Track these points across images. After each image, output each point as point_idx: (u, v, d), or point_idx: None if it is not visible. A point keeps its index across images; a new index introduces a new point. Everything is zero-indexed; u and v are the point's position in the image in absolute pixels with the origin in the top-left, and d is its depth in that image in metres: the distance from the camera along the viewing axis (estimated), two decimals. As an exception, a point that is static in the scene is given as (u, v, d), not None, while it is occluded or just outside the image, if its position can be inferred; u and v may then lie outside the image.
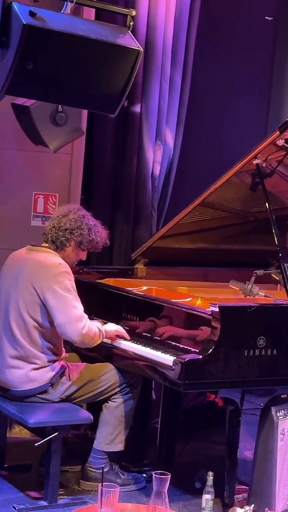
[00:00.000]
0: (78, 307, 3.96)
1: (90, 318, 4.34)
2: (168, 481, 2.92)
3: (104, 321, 4.33)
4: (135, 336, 4.21)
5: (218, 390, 3.77)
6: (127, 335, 4.18)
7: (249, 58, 6.00)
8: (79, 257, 4.21)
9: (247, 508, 3.71)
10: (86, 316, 3.98)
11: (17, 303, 4.02)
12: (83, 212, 4.20)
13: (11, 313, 4.04)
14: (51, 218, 4.27)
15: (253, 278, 4.18)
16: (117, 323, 4.26)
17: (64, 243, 4.12)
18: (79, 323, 3.92)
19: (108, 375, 4.14)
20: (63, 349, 4.19)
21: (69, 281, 3.98)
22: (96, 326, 4.01)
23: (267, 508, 3.73)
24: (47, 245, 4.14)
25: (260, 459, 3.80)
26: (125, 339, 4.16)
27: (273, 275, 4.45)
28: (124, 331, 4.18)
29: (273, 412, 3.77)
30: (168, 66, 5.41)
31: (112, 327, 4.16)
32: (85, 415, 4.03)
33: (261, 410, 3.81)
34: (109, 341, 4.17)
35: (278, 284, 4.66)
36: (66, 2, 3.98)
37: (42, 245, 4.16)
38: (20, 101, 4.46)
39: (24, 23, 3.64)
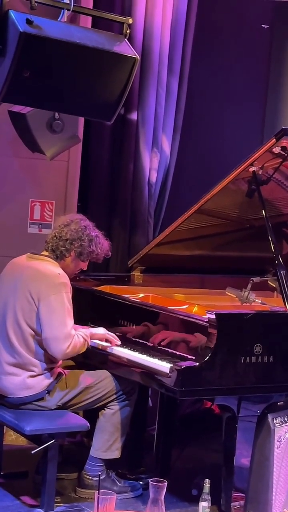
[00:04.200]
0: (68, 325, 3.94)
1: (86, 325, 4.35)
2: (165, 489, 2.91)
3: (95, 327, 4.34)
4: (131, 343, 4.21)
5: (215, 397, 3.77)
6: (116, 340, 4.17)
7: (245, 65, 6.02)
8: (79, 268, 4.21)
9: (243, 515, 3.72)
10: (73, 333, 3.95)
11: (14, 310, 4.02)
12: (86, 223, 4.18)
13: (8, 320, 4.04)
14: (54, 226, 4.26)
15: (249, 285, 4.18)
16: (113, 331, 4.26)
17: (64, 253, 4.11)
18: (65, 343, 3.91)
19: (104, 382, 4.14)
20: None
21: (66, 294, 3.97)
22: (81, 335, 4.00)
23: (263, 516, 3.73)
24: (47, 253, 4.14)
25: (257, 466, 3.80)
26: (115, 344, 4.16)
27: (269, 282, 4.45)
28: (112, 337, 4.17)
29: (269, 419, 3.76)
30: (164, 73, 5.43)
31: (100, 331, 4.17)
32: (81, 422, 4.03)
33: (258, 417, 3.80)
34: (100, 346, 4.17)
35: (275, 291, 4.67)
36: (63, 10, 3.99)
37: (42, 253, 4.15)
38: (17, 108, 4.47)
39: (21, 30, 3.65)
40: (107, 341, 4.17)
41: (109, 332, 4.19)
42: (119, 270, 5.28)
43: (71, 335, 3.93)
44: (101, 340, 4.18)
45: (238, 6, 5.95)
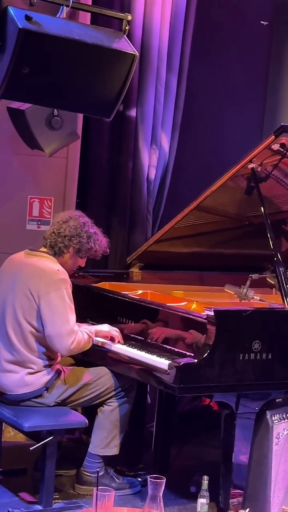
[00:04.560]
0: (70, 320, 3.95)
1: (85, 322, 4.35)
2: (163, 485, 2.92)
3: (94, 324, 4.34)
4: (130, 340, 4.21)
5: (213, 394, 3.77)
6: (120, 338, 4.17)
7: (244, 62, 6.01)
8: (77, 264, 4.21)
9: (242, 512, 3.72)
10: (77, 329, 3.96)
11: (13, 307, 4.01)
12: (84, 220, 4.18)
13: (7, 318, 4.03)
14: (52, 223, 4.26)
15: (248, 282, 4.19)
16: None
17: (62, 249, 4.11)
18: (69, 339, 3.91)
19: (103, 379, 4.14)
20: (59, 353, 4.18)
21: (66, 290, 3.97)
22: (86, 332, 4.00)
23: (262, 512, 3.73)
24: (45, 250, 4.13)
25: (255, 463, 3.80)
26: (118, 341, 4.16)
27: (268, 279, 4.45)
28: (117, 334, 4.17)
29: (268, 416, 3.76)
30: (163, 70, 5.42)
31: (105, 328, 4.16)
32: (80, 419, 4.03)
33: (256, 414, 3.81)
34: (99, 343, 4.17)
35: (273, 288, 4.67)
36: (62, 7, 3.99)
37: (41, 249, 4.15)
38: (16, 104, 4.47)
39: (20, 27, 3.65)
40: (111, 338, 4.17)
41: (114, 328, 4.19)
42: (117, 267, 5.28)
43: (74, 331, 3.93)
44: (105, 337, 4.17)
45: (237, 3, 5.95)
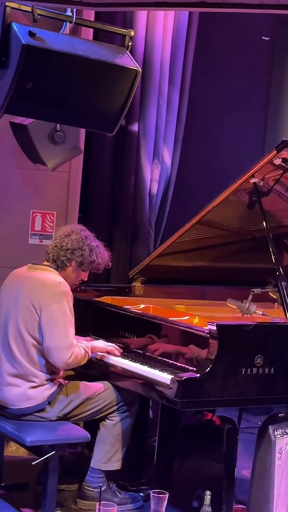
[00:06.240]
0: (70, 334, 3.96)
1: (87, 335, 4.35)
2: (166, 500, 2.92)
3: (97, 338, 4.34)
4: (132, 354, 4.21)
5: (216, 408, 3.77)
6: (118, 350, 4.17)
7: (246, 77, 6.04)
8: (80, 278, 4.22)
9: (244, 527, 3.70)
10: (75, 343, 3.98)
11: (16, 321, 4.02)
12: (86, 233, 4.20)
13: (10, 331, 4.04)
14: (54, 237, 4.28)
15: (250, 297, 4.19)
16: (114, 341, 4.26)
17: (65, 263, 4.12)
18: (67, 352, 3.93)
19: (105, 393, 4.14)
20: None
21: (67, 303, 3.98)
22: (82, 347, 4.02)
23: (264, 528, 3.72)
24: (48, 263, 4.15)
25: (258, 478, 3.79)
26: (115, 354, 4.16)
27: (270, 294, 4.46)
28: (113, 347, 4.17)
29: (270, 431, 3.76)
30: (165, 85, 5.44)
31: (100, 344, 4.17)
32: (82, 434, 4.02)
33: (259, 428, 3.80)
34: (98, 356, 4.18)
35: (276, 303, 4.67)
36: (65, 23, 4.02)
37: (43, 263, 4.16)
38: (19, 119, 4.49)
39: (24, 43, 3.67)
40: (108, 353, 4.17)
41: (109, 344, 4.19)
42: (120, 281, 5.28)
43: (72, 345, 3.94)
44: (102, 352, 4.18)
45: (239, 19, 5.97)
